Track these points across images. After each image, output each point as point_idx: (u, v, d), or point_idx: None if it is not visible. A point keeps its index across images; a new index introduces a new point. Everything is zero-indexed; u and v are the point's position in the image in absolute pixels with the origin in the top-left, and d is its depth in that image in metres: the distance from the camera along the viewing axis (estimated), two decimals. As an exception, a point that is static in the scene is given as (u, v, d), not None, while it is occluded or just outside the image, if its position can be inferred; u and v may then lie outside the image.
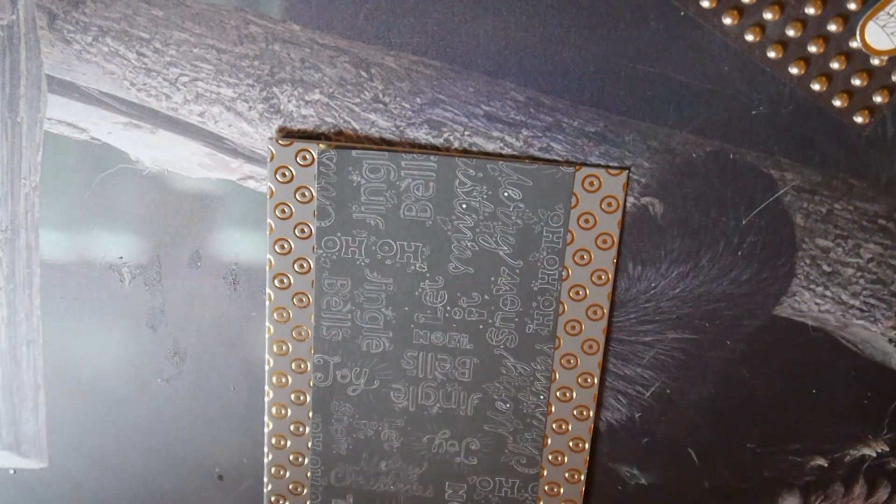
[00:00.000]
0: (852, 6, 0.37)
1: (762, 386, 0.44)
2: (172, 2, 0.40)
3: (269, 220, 0.43)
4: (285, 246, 0.43)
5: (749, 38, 0.38)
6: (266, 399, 0.46)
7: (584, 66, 0.40)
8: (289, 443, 0.46)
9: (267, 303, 0.44)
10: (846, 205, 0.41)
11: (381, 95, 0.41)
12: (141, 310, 0.45)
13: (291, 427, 0.46)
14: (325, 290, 0.43)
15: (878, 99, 0.39)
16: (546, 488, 0.46)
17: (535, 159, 0.41)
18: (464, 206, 0.42)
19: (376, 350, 0.44)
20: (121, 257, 0.44)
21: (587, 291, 0.43)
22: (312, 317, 0.44)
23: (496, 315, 0.43)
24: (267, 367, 0.45)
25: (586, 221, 0.42)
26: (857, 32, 0.38)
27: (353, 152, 0.41)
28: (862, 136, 0.40)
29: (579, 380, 0.44)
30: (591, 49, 0.39)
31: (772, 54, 0.39)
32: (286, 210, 0.42)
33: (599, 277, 0.42)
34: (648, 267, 0.43)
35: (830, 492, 0.46)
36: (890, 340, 0.43)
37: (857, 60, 0.38)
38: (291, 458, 0.47)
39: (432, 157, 0.41)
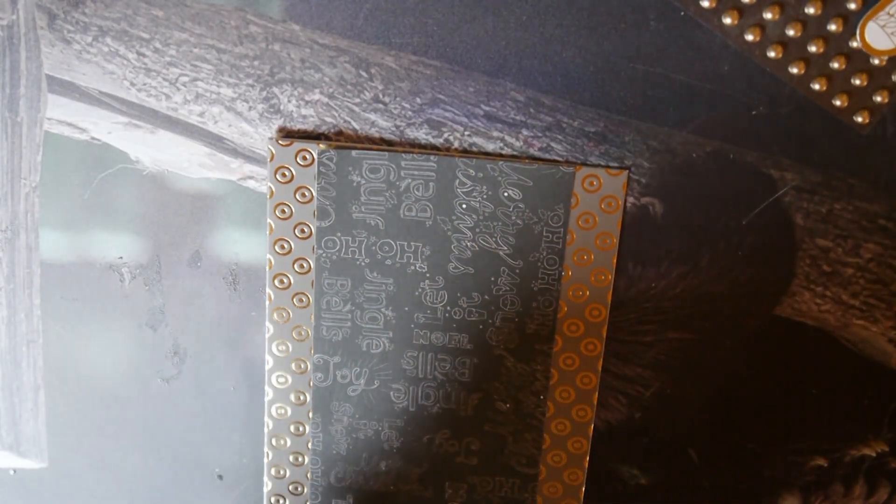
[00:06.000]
0: (852, 6, 0.37)
1: (762, 386, 0.44)
2: (172, 2, 0.40)
3: (269, 220, 0.43)
4: (285, 246, 0.43)
5: (749, 38, 0.38)
6: (266, 399, 0.46)
7: (584, 66, 0.40)
8: (289, 443, 0.46)
9: (267, 303, 0.44)
10: (846, 205, 0.41)
11: (381, 95, 0.41)
12: (141, 310, 0.45)
13: (291, 427, 0.46)
14: (325, 290, 0.43)
15: (878, 99, 0.39)
16: (546, 488, 0.46)
17: (535, 159, 0.41)
18: (464, 206, 0.42)
19: (376, 350, 0.44)
20: (121, 257, 0.44)
21: (587, 291, 0.43)
22: (312, 317, 0.44)
23: (496, 315, 0.43)
24: (267, 367, 0.45)
25: (586, 221, 0.42)
26: (857, 32, 0.38)
27: (353, 152, 0.41)
28: (862, 136, 0.40)
29: (579, 380, 0.44)
30: (591, 49, 0.39)
31: (772, 54, 0.39)
32: (286, 210, 0.42)
33: (599, 277, 0.42)
34: (648, 267, 0.43)
35: (830, 492, 0.46)
36: (890, 340, 0.43)
37: (857, 60, 0.38)
38: (291, 458, 0.47)
39: (432, 157, 0.41)
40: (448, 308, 0.43)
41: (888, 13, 0.37)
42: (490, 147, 0.41)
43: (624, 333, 0.44)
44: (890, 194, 0.41)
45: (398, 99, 0.41)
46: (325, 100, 0.41)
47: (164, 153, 0.43)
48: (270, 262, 0.43)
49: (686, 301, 0.43)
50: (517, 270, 0.42)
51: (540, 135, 0.41)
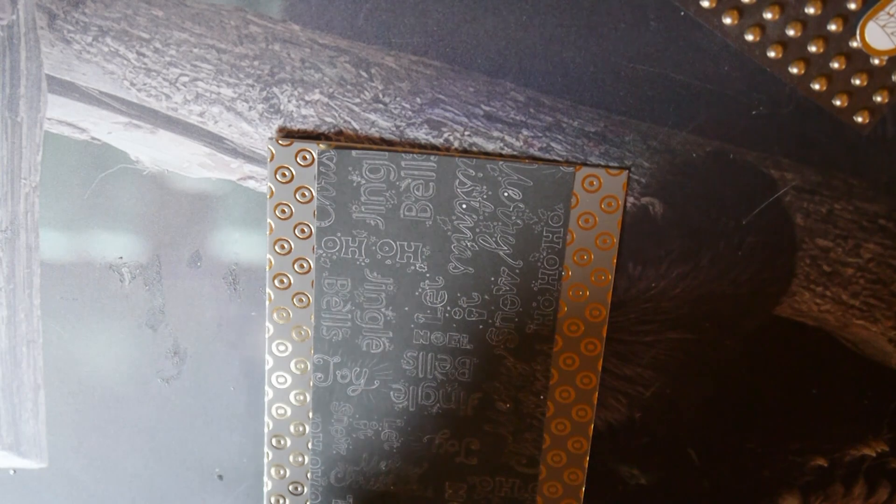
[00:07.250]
0: (852, 6, 0.37)
1: (762, 386, 0.44)
2: (172, 2, 0.40)
3: (269, 220, 0.43)
4: (285, 246, 0.43)
5: (749, 38, 0.38)
6: (266, 399, 0.46)
7: (584, 66, 0.40)
8: (289, 443, 0.46)
9: (267, 303, 0.44)
10: (846, 205, 0.41)
11: (381, 95, 0.41)
12: (141, 310, 0.45)
13: (291, 427, 0.46)
14: (325, 290, 0.43)
15: (878, 99, 0.39)
16: (546, 488, 0.46)
17: (535, 159, 0.41)
18: (464, 206, 0.42)
19: (376, 350, 0.44)
20: (121, 257, 0.44)
21: (587, 291, 0.43)
22: (312, 317, 0.44)
23: (496, 315, 0.43)
24: (267, 367, 0.45)
25: (586, 221, 0.42)
26: (857, 32, 0.38)
27: (353, 152, 0.41)
28: (862, 136, 0.40)
29: (579, 380, 0.44)
30: (591, 49, 0.39)
31: (772, 54, 0.39)
32: (286, 210, 0.42)
33: (599, 277, 0.42)
34: (648, 267, 0.43)
35: (830, 492, 0.46)
36: (890, 340, 0.43)
37: (857, 60, 0.38)
38: (291, 458, 0.47)
39: (432, 157, 0.41)
40: (448, 308, 0.43)
41: (888, 13, 0.37)
42: (490, 147, 0.41)
43: (624, 333, 0.44)
44: (890, 194, 0.41)
45: (398, 99, 0.41)
46: (325, 100, 0.41)
47: (164, 153, 0.43)
48: (270, 262, 0.43)
49: (686, 301, 0.43)
50: (517, 270, 0.42)
51: (540, 135, 0.41)
